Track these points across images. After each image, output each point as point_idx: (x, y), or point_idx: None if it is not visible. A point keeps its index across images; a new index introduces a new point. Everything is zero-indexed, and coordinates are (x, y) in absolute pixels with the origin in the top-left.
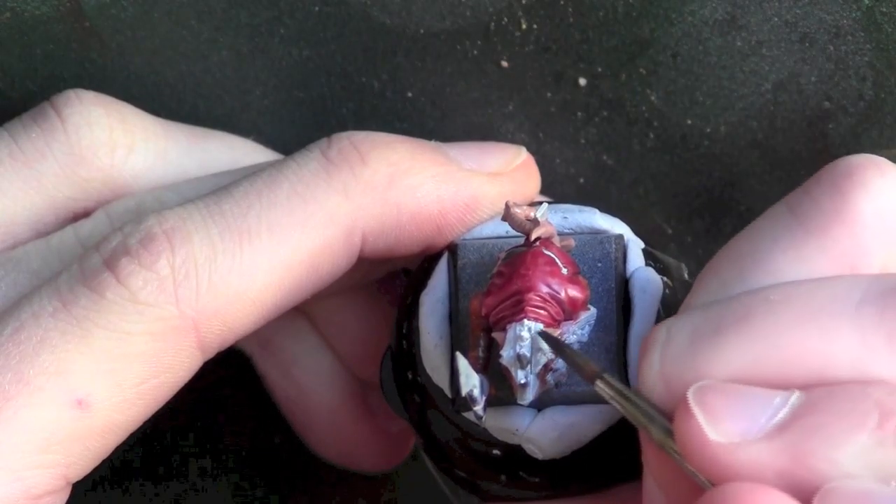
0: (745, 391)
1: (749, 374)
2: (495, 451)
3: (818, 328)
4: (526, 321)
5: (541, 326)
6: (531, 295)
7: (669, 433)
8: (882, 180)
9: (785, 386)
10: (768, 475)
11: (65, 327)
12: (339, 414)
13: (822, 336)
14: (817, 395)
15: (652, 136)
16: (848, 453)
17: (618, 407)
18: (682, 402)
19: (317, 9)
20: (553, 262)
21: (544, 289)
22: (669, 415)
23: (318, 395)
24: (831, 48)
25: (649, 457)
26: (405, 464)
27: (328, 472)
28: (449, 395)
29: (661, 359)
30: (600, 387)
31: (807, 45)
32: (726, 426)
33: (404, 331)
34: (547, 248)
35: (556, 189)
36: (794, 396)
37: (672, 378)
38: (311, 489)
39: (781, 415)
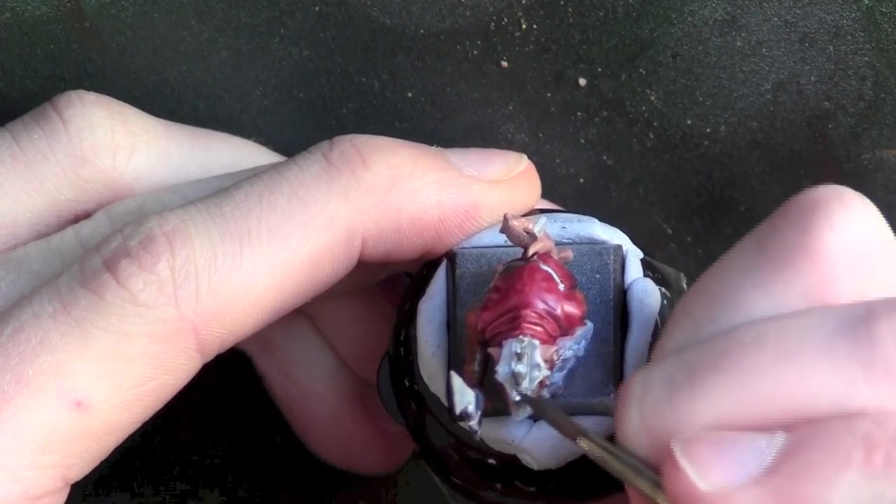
0: (729, 438)
1: (731, 418)
2: (491, 460)
3: (793, 367)
4: (522, 337)
5: (537, 343)
6: (527, 311)
7: (658, 486)
8: (846, 211)
9: (768, 427)
10: None
11: (64, 328)
12: (339, 415)
13: (798, 374)
14: (801, 434)
15: (652, 136)
16: (838, 491)
17: (603, 464)
18: (669, 454)
19: (317, 9)
20: (550, 278)
21: (541, 305)
22: (655, 467)
23: (318, 396)
24: (831, 48)
25: None
26: (405, 465)
27: (328, 473)
28: (446, 404)
29: (640, 411)
30: (583, 445)
31: (807, 45)
32: (715, 475)
33: (402, 338)
34: (544, 263)
35: (556, 189)
36: (779, 438)
37: (654, 430)
38: (310, 490)
39: (768, 458)
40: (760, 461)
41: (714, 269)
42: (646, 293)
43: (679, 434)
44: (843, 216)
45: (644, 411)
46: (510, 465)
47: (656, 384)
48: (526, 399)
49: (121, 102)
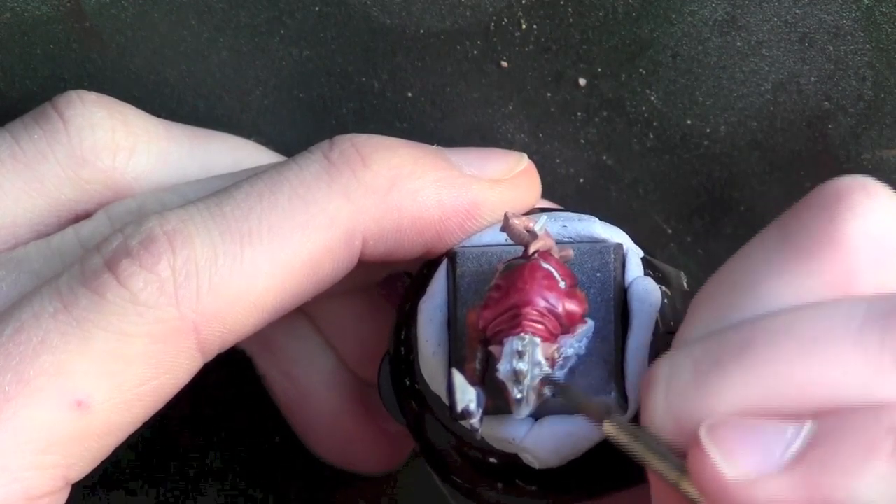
0: (757, 425)
1: (758, 405)
2: (492, 459)
3: (822, 355)
4: (523, 335)
5: (538, 340)
6: (528, 309)
7: (683, 471)
8: (870, 202)
9: (796, 415)
10: None
11: (65, 328)
12: (339, 415)
13: (827, 363)
14: (830, 423)
15: (652, 136)
16: (866, 482)
17: (627, 448)
18: (695, 439)
19: (317, 9)
20: (551, 276)
21: (542, 303)
22: (680, 452)
23: (318, 396)
24: (831, 48)
25: (660, 496)
26: (405, 465)
27: (328, 472)
28: (447, 403)
29: (666, 396)
30: (608, 429)
31: (807, 45)
32: (742, 462)
33: (402, 337)
34: (545, 261)
35: (556, 189)
36: (807, 427)
37: (680, 415)
38: (310, 490)
39: (795, 447)
40: (788, 449)
41: (737, 256)
42: (646, 291)
43: (705, 420)
44: (868, 206)
45: (670, 396)
46: (511, 464)
47: (683, 369)
48: (552, 383)
49: (121, 102)
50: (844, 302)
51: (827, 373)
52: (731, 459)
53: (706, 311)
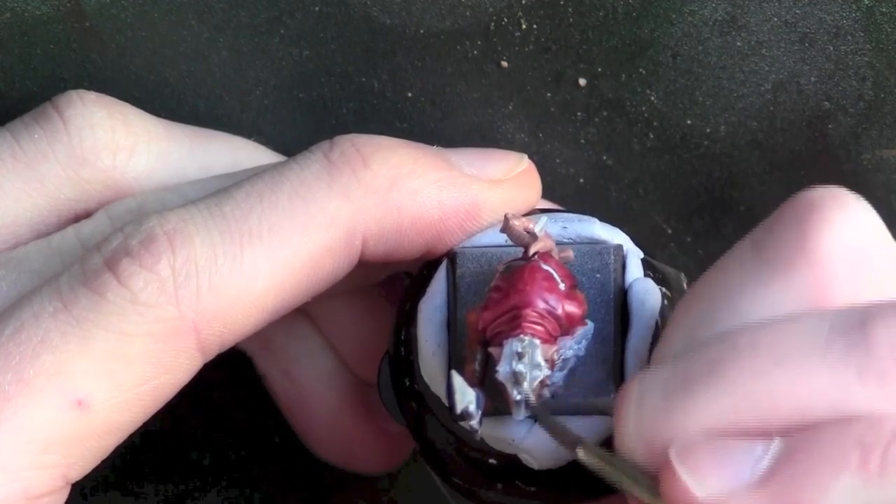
0: (726, 444)
1: (727, 424)
2: (491, 460)
3: (788, 371)
4: (523, 337)
5: (538, 342)
6: (528, 311)
7: (656, 493)
8: (843, 213)
9: (765, 432)
10: None
11: (65, 328)
12: (339, 414)
13: (793, 379)
14: (797, 440)
15: (652, 136)
16: (835, 495)
17: (600, 472)
18: (666, 462)
19: (317, 9)
20: (551, 278)
21: (541, 304)
22: (653, 475)
23: (318, 396)
24: (831, 48)
25: None
26: (405, 465)
27: (328, 472)
28: (446, 404)
29: (636, 418)
30: (581, 454)
31: (807, 45)
32: (712, 482)
33: (402, 337)
34: (545, 262)
35: (556, 189)
36: (775, 444)
37: (650, 437)
38: (310, 490)
39: (764, 464)
40: (757, 467)
41: (711, 272)
42: (646, 293)
43: (675, 441)
44: (840, 218)
45: (640, 419)
46: (511, 465)
47: (652, 391)
48: (527, 404)
49: (121, 102)
50: (811, 316)
51: (793, 389)
52: (701, 480)
53: (681, 327)
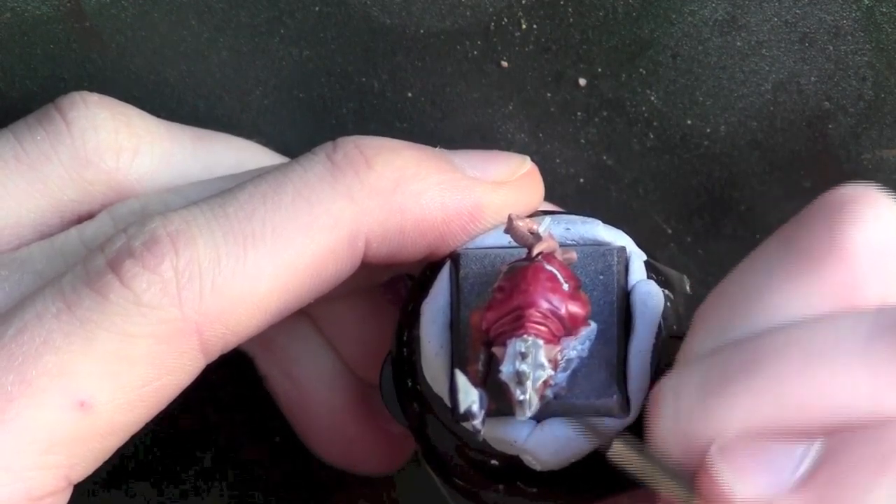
0: (767, 445)
1: (766, 423)
2: (493, 461)
3: (829, 371)
4: (526, 337)
5: (541, 342)
6: (532, 311)
7: (692, 492)
8: (875, 212)
9: (805, 432)
10: None
11: (68, 329)
12: (340, 415)
13: (834, 378)
14: (838, 442)
15: (652, 136)
16: (876, 498)
17: (632, 469)
18: (706, 460)
19: (317, 9)
20: (554, 278)
21: (545, 305)
22: (688, 472)
23: (319, 397)
24: (831, 48)
25: None
26: (406, 466)
27: (328, 473)
28: (448, 404)
29: (674, 415)
30: (618, 449)
31: (807, 45)
32: (754, 483)
33: (405, 338)
34: (549, 263)
35: (556, 189)
36: (816, 446)
37: (688, 435)
38: (311, 490)
39: (806, 466)
40: (798, 469)
41: (740, 268)
42: (649, 295)
43: (714, 439)
44: (871, 215)
45: (677, 417)
46: (513, 466)
47: (689, 388)
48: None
49: (124, 104)
50: (849, 315)
51: (834, 388)
52: (743, 480)
53: (711, 324)
